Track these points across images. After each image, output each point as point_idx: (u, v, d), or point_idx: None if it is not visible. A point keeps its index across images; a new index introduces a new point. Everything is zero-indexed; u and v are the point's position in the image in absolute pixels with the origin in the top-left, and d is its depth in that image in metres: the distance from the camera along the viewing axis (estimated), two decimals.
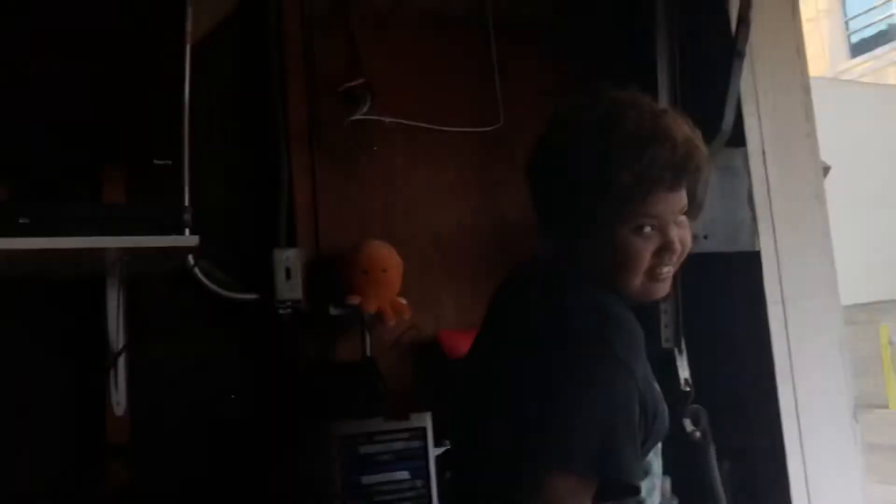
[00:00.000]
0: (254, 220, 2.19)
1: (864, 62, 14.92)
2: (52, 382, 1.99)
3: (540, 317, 1.28)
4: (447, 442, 1.92)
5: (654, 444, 1.31)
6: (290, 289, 2.13)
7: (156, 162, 1.88)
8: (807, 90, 2.39)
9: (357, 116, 2.23)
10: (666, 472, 1.37)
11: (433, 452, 2.03)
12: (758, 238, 2.26)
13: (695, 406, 2.17)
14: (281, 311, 2.13)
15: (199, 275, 2.06)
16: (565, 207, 1.31)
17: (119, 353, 1.98)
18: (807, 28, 2.62)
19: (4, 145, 1.79)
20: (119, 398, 1.97)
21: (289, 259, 2.14)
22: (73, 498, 1.92)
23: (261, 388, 2.12)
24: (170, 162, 1.86)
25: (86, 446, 1.98)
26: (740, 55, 2.21)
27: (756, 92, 2.32)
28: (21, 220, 1.66)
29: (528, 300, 1.34)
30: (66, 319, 2.02)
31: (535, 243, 1.41)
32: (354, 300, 2.12)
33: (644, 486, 1.26)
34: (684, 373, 2.20)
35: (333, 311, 2.15)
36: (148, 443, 1.99)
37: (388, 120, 2.27)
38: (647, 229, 1.28)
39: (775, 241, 2.28)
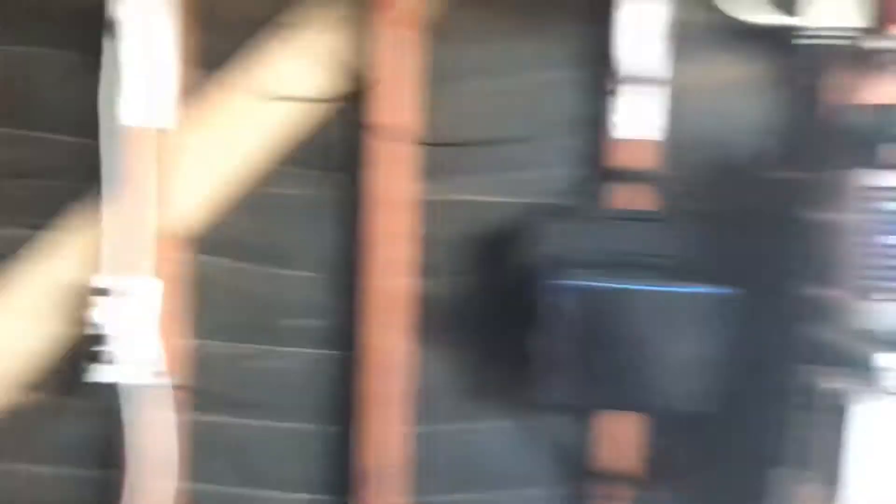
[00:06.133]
0: None
1: None
2: (559, 100, 2.00)
3: None
4: None
5: None
6: (813, 16, 1.88)
7: None
8: None
9: None
10: None
11: None
12: None
13: None
14: (801, 42, 1.92)
15: None
16: None
17: (620, 81, 1.93)
18: None
19: None
20: (621, 121, 1.94)
21: None
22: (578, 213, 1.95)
23: (787, 128, 1.98)
24: None
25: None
26: None
27: None
28: None
29: None
30: (576, 34, 1.99)
31: None
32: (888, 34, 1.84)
33: None
34: None
35: (870, 42, 1.88)
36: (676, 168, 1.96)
37: None
38: None
39: None
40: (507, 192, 2.00)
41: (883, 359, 1.62)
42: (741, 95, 1.98)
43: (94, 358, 1.94)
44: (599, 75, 1.97)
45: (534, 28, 1.98)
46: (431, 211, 2.00)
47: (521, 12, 1.96)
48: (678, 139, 1.96)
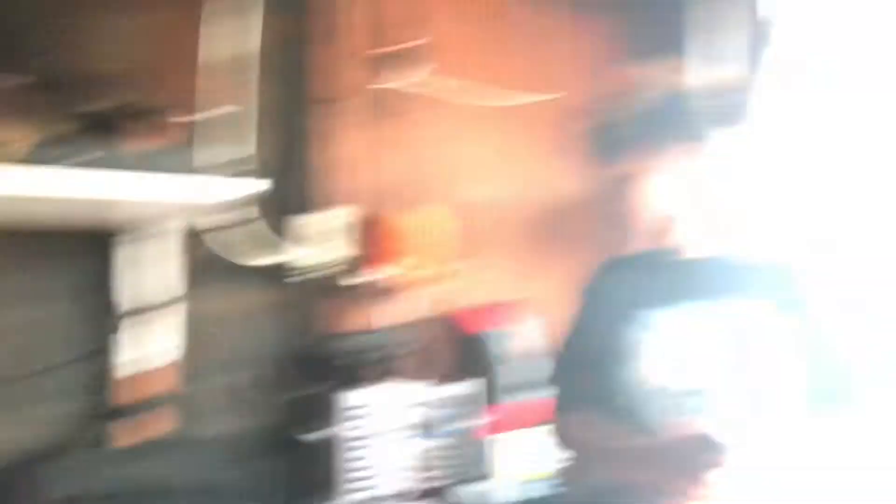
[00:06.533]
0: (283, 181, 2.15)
1: None
2: (66, 337, 1.97)
3: None
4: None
5: None
6: (303, 256, 2.12)
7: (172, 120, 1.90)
8: None
9: (396, 83, 2.24)
10: None
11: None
12: None
13: None
14: (289, 280, 2.12)
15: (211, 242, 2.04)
16: None
17: (122, 317, 1.96)
18: None
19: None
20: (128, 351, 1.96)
21: (303, 226, 2.12)
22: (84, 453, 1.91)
23: (282, 353, 2.15)
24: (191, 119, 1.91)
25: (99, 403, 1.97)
26: None
27: None
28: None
29: None
30: (80, 275, 1.99)
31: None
32: (372, 268, 2.13)
33: None
34: None
35: (345, 279, 2.15)
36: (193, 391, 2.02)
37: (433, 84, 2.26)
38: None
39: None
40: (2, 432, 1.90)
41: None
42: (243, 324, 2.11)
43: None
44: (104, 308, 1.98)
45: (28, 262, 1.95)
46: None
47: (14, 246, 1.93)
48: (189, 364, 2.03)
